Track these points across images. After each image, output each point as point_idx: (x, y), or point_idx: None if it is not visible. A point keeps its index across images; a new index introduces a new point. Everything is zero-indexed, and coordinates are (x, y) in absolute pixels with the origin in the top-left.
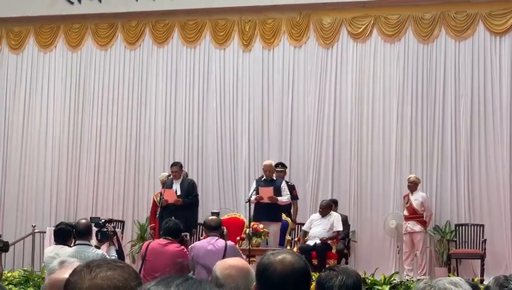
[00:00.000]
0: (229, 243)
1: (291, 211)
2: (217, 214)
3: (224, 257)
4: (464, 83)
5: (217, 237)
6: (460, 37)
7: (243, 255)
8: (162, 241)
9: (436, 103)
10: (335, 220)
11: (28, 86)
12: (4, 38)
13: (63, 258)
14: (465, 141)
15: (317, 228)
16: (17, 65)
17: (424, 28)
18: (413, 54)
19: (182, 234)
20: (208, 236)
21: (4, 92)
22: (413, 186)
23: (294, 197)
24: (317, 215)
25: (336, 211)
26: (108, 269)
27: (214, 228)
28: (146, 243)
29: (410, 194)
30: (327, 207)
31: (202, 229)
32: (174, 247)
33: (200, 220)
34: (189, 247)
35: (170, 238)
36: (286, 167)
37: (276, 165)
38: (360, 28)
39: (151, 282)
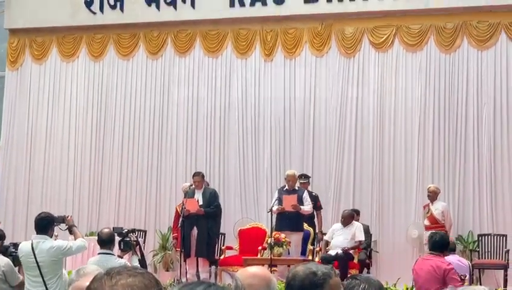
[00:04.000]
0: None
1: (315, 221)
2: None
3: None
4: (487, 93)
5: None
6: (482, 47)
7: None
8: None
9: (459, 112)
10: (357, 229)
11: (51, 96)
12: (27, 49)
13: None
14: (487, 151)
15: (339, 238)
16: (40, 75)
17: (446, 38)
18: (435, 64)
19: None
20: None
21: (27, 104)
22: (433, 195)
23: (318, 207)
24: (339, 225)
25: (357, 220)
26: (129, 276)
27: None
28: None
29: (430, 204)
30: (349, 217)
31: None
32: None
33: (222, 230)
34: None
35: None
36: (309, 177)
37: (300, 177)
38: (382, 37)
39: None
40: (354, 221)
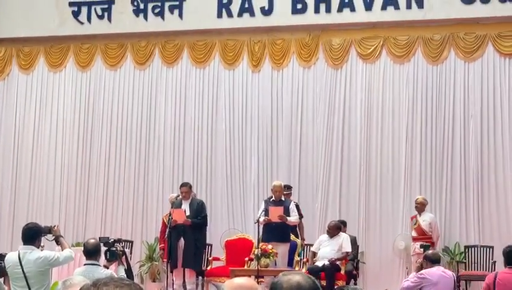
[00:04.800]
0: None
1: (297, 229)
2: (427, 247)
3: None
4: (473, 104)
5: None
6: (469, 58)
7: None
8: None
9: (446, 123)
10: (344, 241)
11: (38, 106)
12: (14, 58)
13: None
14: (474, 162)
15: (326, 249)
16: (27, 85)
17: (433, 49)
18: (423, 75)
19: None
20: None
21: (14, 114)
22: (420, 207)
23: (299, 216)
24: (326, 236)
25: (345, 232)
26: (116, 287)
27: (435, 261)
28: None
29: (418, 215)
30: (335, 228)
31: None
32: None
33: (209, 240)
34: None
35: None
36: (291, 188)
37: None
38: (369, 48)
39: None
40: (341, 232)
